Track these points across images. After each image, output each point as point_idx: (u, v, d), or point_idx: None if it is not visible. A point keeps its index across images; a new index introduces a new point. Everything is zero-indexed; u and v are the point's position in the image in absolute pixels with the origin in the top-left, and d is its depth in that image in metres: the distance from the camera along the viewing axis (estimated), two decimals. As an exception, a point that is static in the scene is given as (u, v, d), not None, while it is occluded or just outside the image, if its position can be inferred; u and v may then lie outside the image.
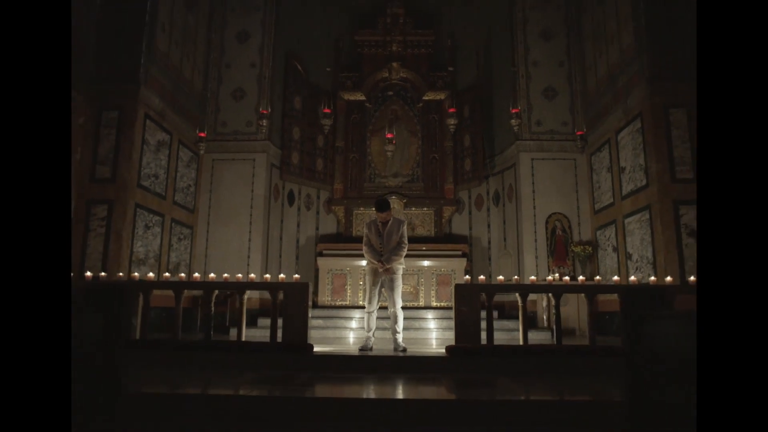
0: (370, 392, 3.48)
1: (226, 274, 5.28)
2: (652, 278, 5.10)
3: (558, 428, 2.90)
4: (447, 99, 10.15)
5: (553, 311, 4.76)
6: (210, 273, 5.30)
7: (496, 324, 7.03)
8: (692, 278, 5.60)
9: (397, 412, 2.96)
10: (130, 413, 2.94)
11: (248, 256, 8.66)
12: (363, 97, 10.43)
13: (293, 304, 4.48)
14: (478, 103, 10.00)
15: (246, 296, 4.76)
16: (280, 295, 4.57)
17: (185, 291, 4.94)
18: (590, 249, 8.37)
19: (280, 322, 4.63)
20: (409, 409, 3.00)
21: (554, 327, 4.69)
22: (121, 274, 5.83)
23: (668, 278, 4.69)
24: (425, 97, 10.38)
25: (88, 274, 5.06)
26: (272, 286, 4.71)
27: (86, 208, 6.45)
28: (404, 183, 10.23)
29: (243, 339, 4.74)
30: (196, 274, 5.39)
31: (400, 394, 3.47)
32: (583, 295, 4.81)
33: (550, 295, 4.78)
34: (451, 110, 9.40)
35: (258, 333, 6.47)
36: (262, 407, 3.07)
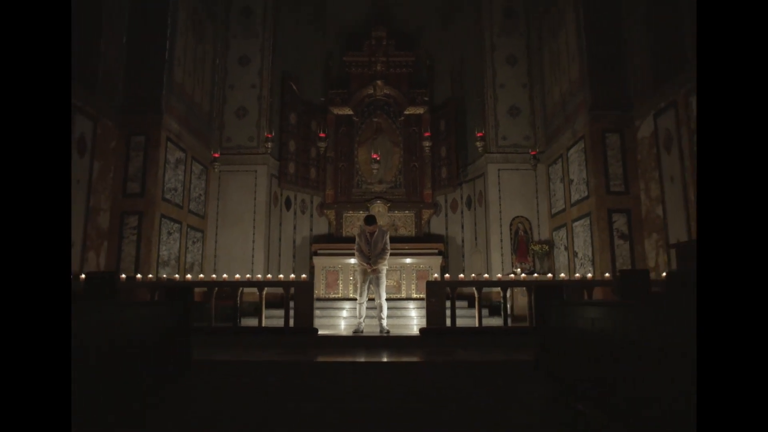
0: (361, 359, 4.82)
1: (248, 275, 6.56)
2: (577, 275, 6.53)
3: (492, 378, 4.28)
4: (425, 114, 11.49)
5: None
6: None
7: (466, 312, 8.49)
8: (607, 274, 7.06)
9: (380, 370, 4.32)
10: (194, 374, 4.25)
11: (252, 256, 9.92)
12: (351, 112, 11.66)
13: (302, 298, 5.81)
14: (453, 119, 11.35)
15: (265, 292, 6.06)
16: (292, 290, 5.89)
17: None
18: (547, 248, 9.79)
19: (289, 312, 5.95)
20: (389, 368, 4.36)
21: (503, 312, 6.09)
22: (167, 276, 7.09)
23: (589, 275, 6.11)
24: (406, 112, 11.64)
25: (138, 276, 6.31)
26: (286, 284, 6.03)
27: (120, 219, 7.67)
28: (388, 189, 11.54)
29: (263, 324, 6.05)
30: (225, 275, 6.66)
31: (383, 359, 4.82)
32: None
33: (499, 288, 6.16)
34: (427, 134, 10.79)
35: (267, 322, 7.74)
36: (283, 369, 4.39)
